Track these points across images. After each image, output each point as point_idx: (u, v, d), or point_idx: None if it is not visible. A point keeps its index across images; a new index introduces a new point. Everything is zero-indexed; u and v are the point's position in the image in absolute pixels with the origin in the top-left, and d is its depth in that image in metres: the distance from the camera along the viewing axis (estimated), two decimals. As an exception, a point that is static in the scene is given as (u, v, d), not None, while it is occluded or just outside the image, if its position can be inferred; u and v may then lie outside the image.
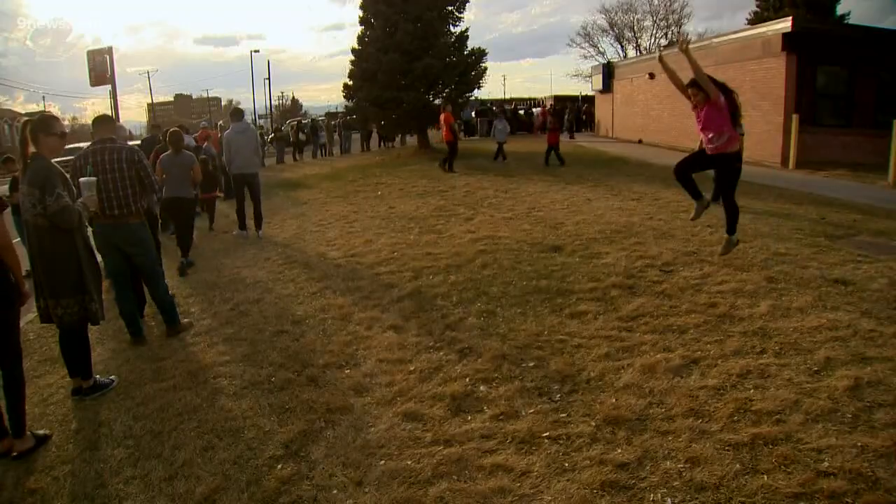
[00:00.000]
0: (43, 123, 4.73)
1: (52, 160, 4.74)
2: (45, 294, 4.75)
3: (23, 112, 67.91)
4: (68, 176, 4.92)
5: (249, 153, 11.24)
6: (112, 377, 5.32)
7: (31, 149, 4.67)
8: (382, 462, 3.77)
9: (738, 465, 3.41)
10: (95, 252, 5.23)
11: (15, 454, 4.20)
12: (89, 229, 5.49)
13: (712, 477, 3.32)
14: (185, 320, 6.49)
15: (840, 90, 18.77)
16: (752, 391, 4.24)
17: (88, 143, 6.13)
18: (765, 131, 18.22)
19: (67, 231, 4.68)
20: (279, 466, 3.81)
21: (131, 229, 6.06)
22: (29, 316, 7.09)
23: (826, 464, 3.36)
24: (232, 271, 8.70)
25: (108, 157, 5.86)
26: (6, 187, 9.73)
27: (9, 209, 5.89)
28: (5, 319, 4.16)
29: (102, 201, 5.77)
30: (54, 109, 73.51)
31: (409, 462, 3.74)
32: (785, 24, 17.55)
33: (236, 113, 12.26)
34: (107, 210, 5.88)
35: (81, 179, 5.05)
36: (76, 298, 4.80)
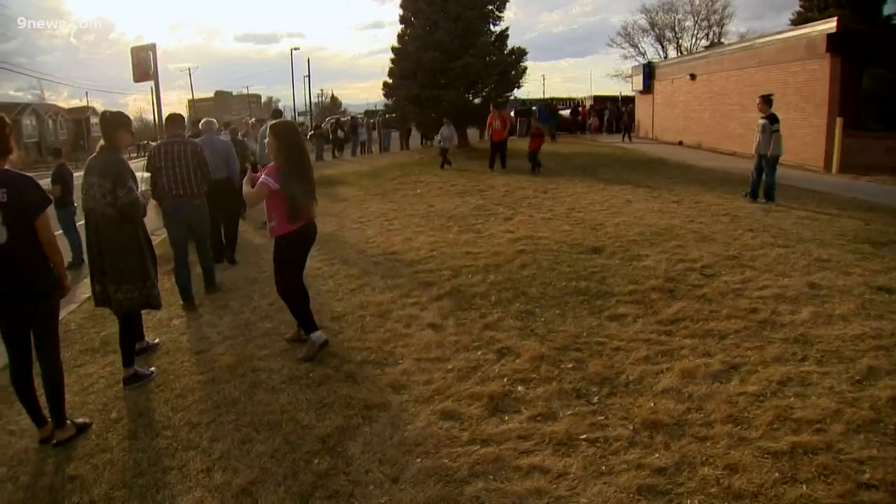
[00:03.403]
0: (122, 120, 5.16)
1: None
2: (107, 279, 4.96)
3: (66, 108, 69.30)
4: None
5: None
6: (151, 369, 5.44)
7: (101, 142, 5.03)
8: (419, 460, 3.80)
9: (776, 474, 3.39)
10: (151, 240, 5.47)
11: (55, 442, 4.29)
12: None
13: (751, 485, 3.31)
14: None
15: (886, 93, 18.26)
16: (792, 399, 4.20)
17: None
18: (807, 134, 17.92)
19: (131, 222, 4.96)
20: (316, 461, 3.86)
21: (194, 206, 7.22)
22: (70, 307, 7.27)
23: (867, 475, 3.33)
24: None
25: (177, 150, 7.04)
26: (48, 180, 9.91)
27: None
28: (46, 311, 4.27)
29: (171, 183, 6.98)
30: (97, 105, 74.78)
31: (445, 460, 3.76)
32: (830, 25, 17.22)
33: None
34: (173, 190, 7.02)
35: (137, 174, 5.34)
36: (137, 284, 5.03)
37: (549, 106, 37.57)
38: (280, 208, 5.26)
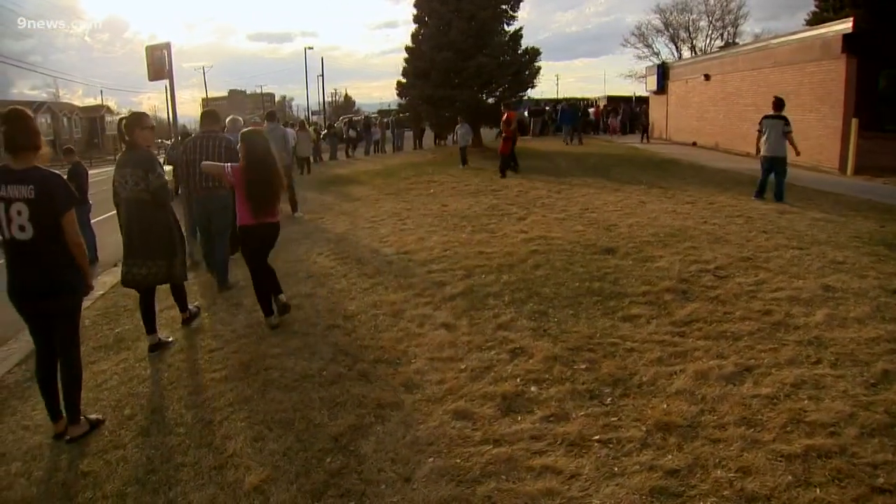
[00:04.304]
0: (137, 119, 5.74)
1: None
2: (138, 257, 5.64)
3: (81, 106, 69.96)
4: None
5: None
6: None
7: (127, 139, 5.64)
8: (431, 459, 3.80)
9: (790, 477, 3.37)
10: (180, 223, 6.11)
11: (69, 438, 4.34)
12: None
13: (763, 488, 3.30)
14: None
15: (902, 94, 18.14)
16: (806, 402, 4.18)
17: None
18: (822, 135, 17.80)
19: (161, 204, 5.62)
20: (328, 459, 3.86)
21: (221, 197, 7.77)
22: (84, 303, 7.29)
23: (881, 480, 3.30)
24: (285, 265, 8.78)
25: (211, 144, 7.74)
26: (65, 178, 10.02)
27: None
28: (69, 307, 4.32)
29: (203, 175, 7.51)
30: (112, 103, 75.46)
31: (457, 460, 3.76)
32: (846, 25, 17.08)
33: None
34: (203, 182, 7.71)
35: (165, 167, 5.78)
36: (165, 260, 5.72)
37: (573, 106, 37.09)
38: (241, 204, 6.11)
